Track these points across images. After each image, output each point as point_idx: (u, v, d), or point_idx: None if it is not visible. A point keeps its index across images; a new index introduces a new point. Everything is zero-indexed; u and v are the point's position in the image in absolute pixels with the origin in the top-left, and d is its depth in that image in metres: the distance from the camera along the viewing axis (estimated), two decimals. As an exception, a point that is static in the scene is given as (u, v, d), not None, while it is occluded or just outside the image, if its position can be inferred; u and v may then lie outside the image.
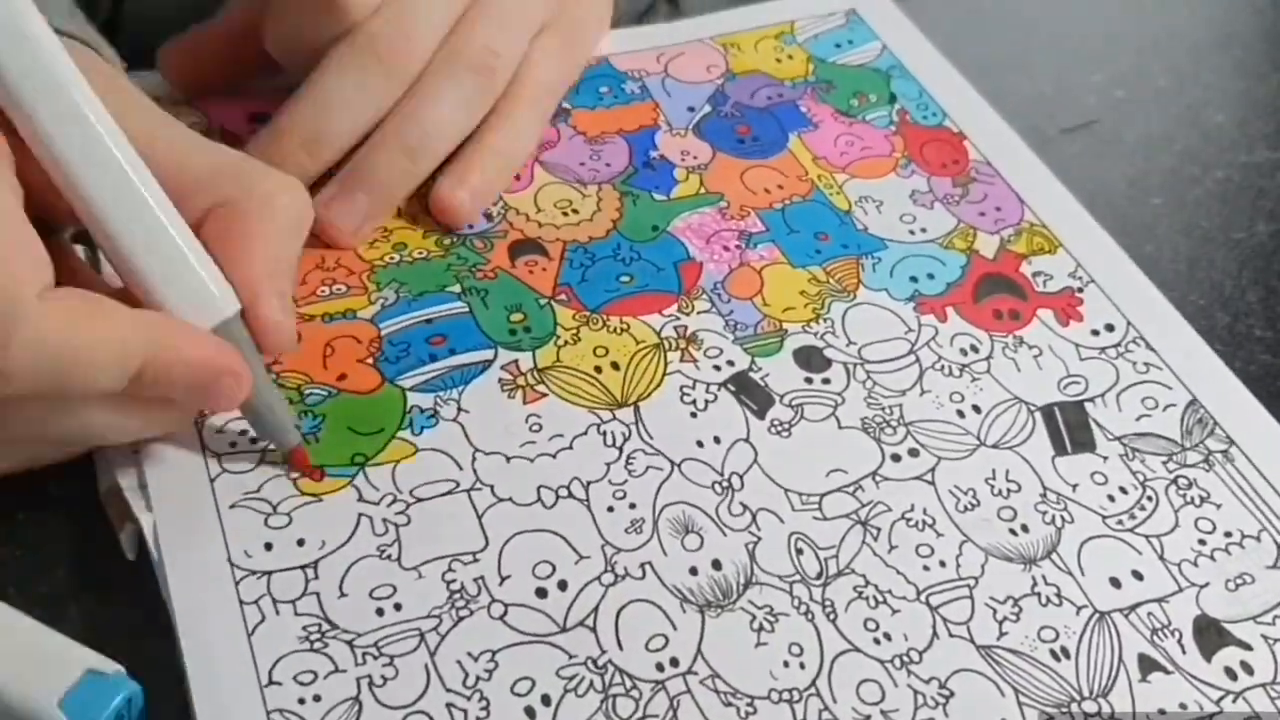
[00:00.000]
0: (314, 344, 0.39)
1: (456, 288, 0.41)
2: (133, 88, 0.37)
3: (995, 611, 0.35)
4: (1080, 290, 0.43)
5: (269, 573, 0.34)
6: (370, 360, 0.39)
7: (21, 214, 0.32)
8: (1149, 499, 0.37)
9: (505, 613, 0.34)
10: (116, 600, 0.34)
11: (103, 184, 0.33)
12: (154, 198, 0.34)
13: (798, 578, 0.35)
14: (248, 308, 0.35)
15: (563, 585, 0.34)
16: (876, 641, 0.34)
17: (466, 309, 0.40)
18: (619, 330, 0.41)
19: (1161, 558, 0.36)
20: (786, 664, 0.33)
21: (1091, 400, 0.40)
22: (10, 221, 0.32)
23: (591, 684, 0.32)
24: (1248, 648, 0.34)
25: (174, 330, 0.33)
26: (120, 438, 0.35)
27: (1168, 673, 0.34)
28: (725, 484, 0.37)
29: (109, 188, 0.33)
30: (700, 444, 0.38)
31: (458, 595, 0.34)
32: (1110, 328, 0.42)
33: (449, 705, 0.32)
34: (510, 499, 0.36)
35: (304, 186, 0.38)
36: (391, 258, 0.42)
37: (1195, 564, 0.36)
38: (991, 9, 0.56)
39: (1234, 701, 0.33)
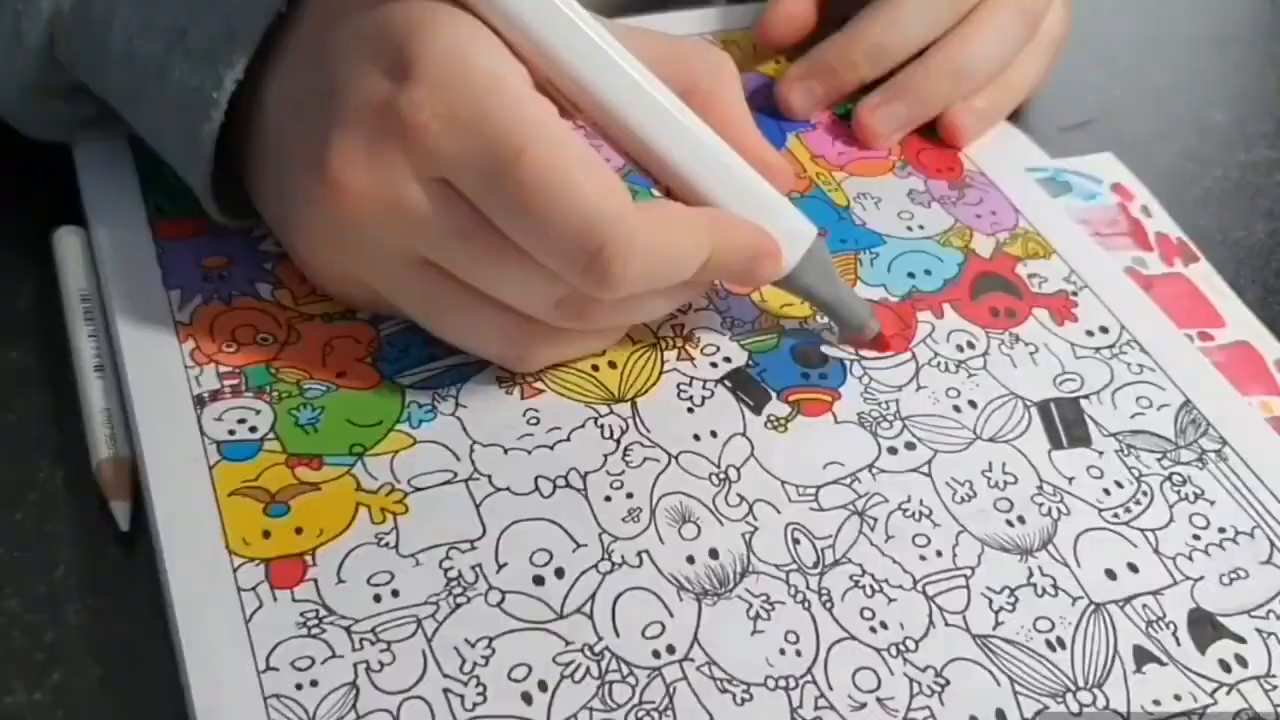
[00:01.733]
0: (313, 343, 0.39)
1: (455, 282, 0.41)
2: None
3: (991, 601, 0.35)
4: (1074, 294, 0.43)
5: (267, 560, 0.34)
6: (369, 360, 0.39)
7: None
8: (1144, 494, 0.38)
9: (503, 600, 0.34)
10: (115, 598, 0.34)
11: (668, 140, 0.37)
12: (712, 140, 0.37)
13: (794, 567, 0.35)
14: (763, 168, 0.38)
15: (560, 573, 0.34)
16: (873, 630, 0.34)
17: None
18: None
19: (1156, 551, 0.36)
20: (783, 651, 0.33)
21: (1087, 397, 0.40)
22: (587, 147, 0.34)
23: (588, 670, 0.33)
24: (1241, 641, 0.34)
25: (729, 223, 0.37)
26: (650, 317, 0.40)
27: (1162, 664, 0.34)
28: (722, 476, 0.37)
29: (676, 145, 0.37)
30: (697, 437, 0.38)
31: (455, 582, 0.34)
32: (1104, 330, 0.42)
33: (446, 691, 0.32)
34: (508, 488, 0.36)
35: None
36: (391, 251, 0.42)
37: (1190, 558, 0.36)
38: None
39: (1227, 694, 0.33)
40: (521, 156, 0.33)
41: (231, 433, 0.37)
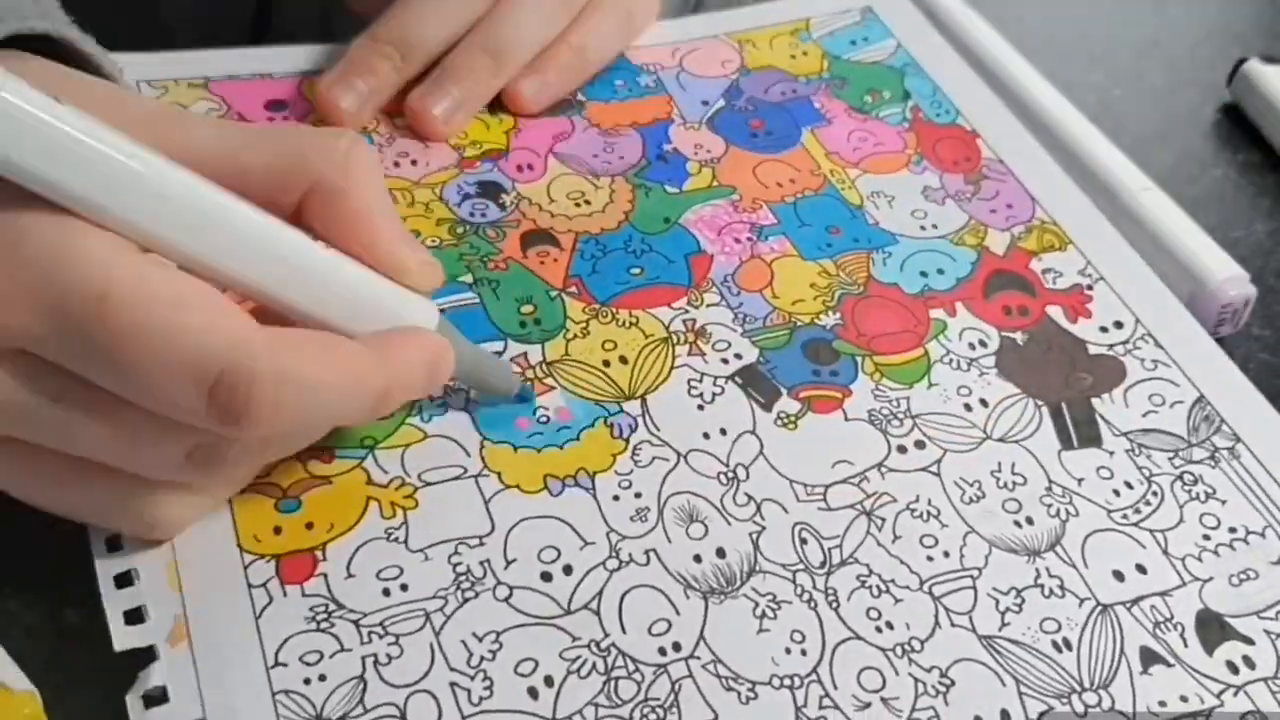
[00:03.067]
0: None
1: (468, 278, 0.41)
2: (145, 102, 0.37)
3: (998, 602, 0.35)
4: (1090, 287, 0.43)
5: (278, 556, 0.34)
6: (382, 348, 0.39)
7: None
8: (1154, 494, 0.37)
9: (510, 595, 0.34)
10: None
11: (251, 264, 0.32)
12: (303, 252, 0.33)
13: (801, 566, 0.35)
14: (397, 273, 0.35)
15: (568, 570, 0.34)
16: (879, 630, 0.34)
17: (477, 300, 0.41)
18: (628, 324, 0.41)
19: (1165, 552, 0.36)
20: (788, 650, 0.33)
21: (1099, 396, 0.40)
22: (183, 276, 0.31)
23: (594, 666, 0.33)
24: (1250, 642, 0.34)
25: (398, 348, 0.34)
26: (301, 445, 0.36)
27: (1169, 665, 0.34)
28: (731, 475, 0.37)
29: (260, 265, 0.32)
30: (706, 435, 0.38)
31: (463, 577, 0.34)
32: (1119, 324, 0.42)
33: (453, 685, 0.32)
34: (517, 486, 0.36)
35: (357, 132, 0.40)
36: (404, 246, 0.42)
37: (1199, 559, 0.36)
38: (990, 8, 0.56)
39: (1235, 695, 0.33)
40: (104, 303, 0.29)
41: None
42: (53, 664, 0.33)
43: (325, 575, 0.34)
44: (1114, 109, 0.54)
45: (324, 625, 0.33)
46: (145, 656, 0.32)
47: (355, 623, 0.33)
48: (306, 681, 0.32)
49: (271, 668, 0.32)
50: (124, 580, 0.34)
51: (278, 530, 0.35)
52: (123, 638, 0.32)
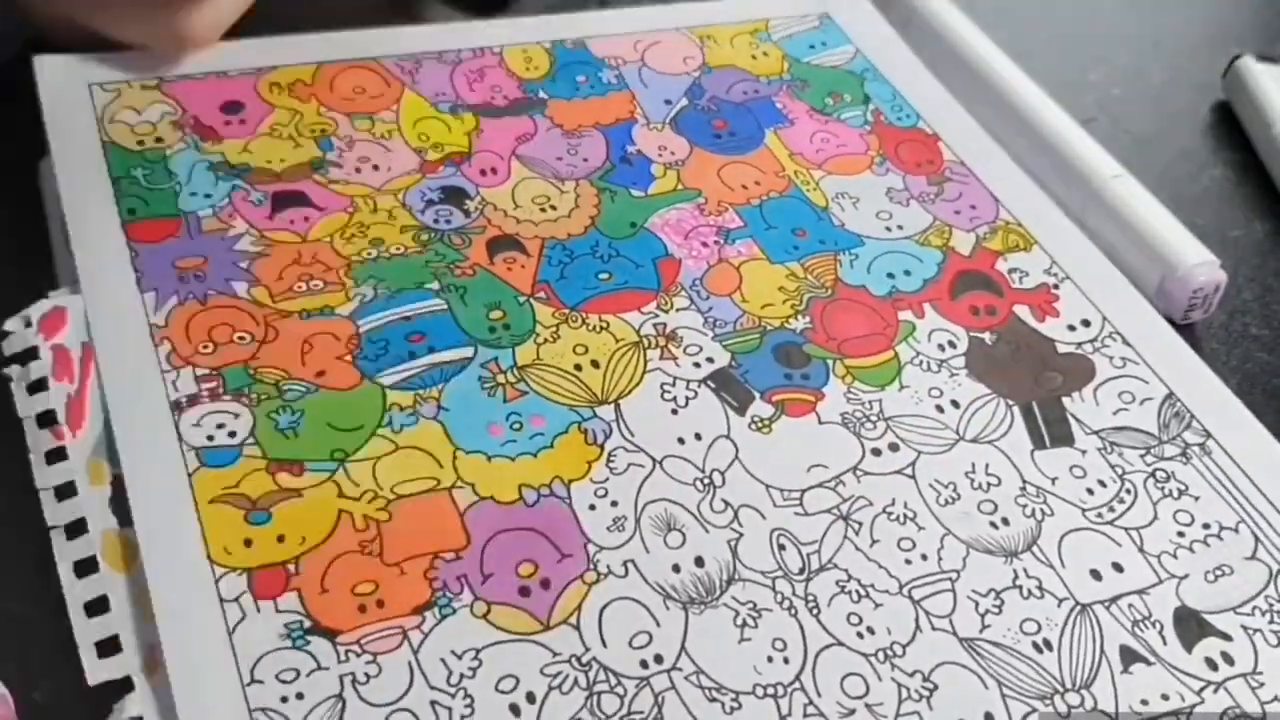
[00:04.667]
0: (292, 340, 0.39)
1: (435, 285, 0.41)
2: None
3: (977, 604, 0.35)
4: (1056, 287, 0.43)
5: (250, 570, 0.33)
6: (349, 357, 0.38)
7: None
8: (1128, 492, 0.38)
9: (488, 611, 0.33)
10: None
11: None
12: None
13: (780, 573, 0.35)
14: None
15: (545, 584, 0.34)
16: (860, 635, 0.34)
17: (445, 306, 0.40)
18: (598, 328, 0.40)
19: (1141, 550, 0.36)
20: (770, 659, 0.33)
21: (1069, 395, 0.40)
22: None
23: (576, 681, 0.32)
24: (1227, 638, 0.35)
25: None
26: None
27: (1149, 664, 0.34)
28: (707, 481, 0.37)
29: None
30: (681, 441, 0.38)
31: (440, 593, 0.33)
32: (1086, 323, 0.42)
33: (433, 703, 0.32)
34: (492, 498, 0.36)
35: None
36: (369, 253, 0.41)
37: (1175, 556, 0.36)
38: (989, 7, 0.56)
39: (1215, 692, 0.33)
40: None
41: (210, 438, 0.36)
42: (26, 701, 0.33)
43: (299, 591, 0.33)
44: (1113, 108, 0.54)
45: (299, 643, 0.32)
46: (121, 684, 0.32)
47: (331, 640, 0.32)
48: (284, 700, 0.31)
49: (247, 685, 0.31)
50: (97, 608, 0.33)
51: (248, 543, 0.34)
52: (96, 671, 0.32)
